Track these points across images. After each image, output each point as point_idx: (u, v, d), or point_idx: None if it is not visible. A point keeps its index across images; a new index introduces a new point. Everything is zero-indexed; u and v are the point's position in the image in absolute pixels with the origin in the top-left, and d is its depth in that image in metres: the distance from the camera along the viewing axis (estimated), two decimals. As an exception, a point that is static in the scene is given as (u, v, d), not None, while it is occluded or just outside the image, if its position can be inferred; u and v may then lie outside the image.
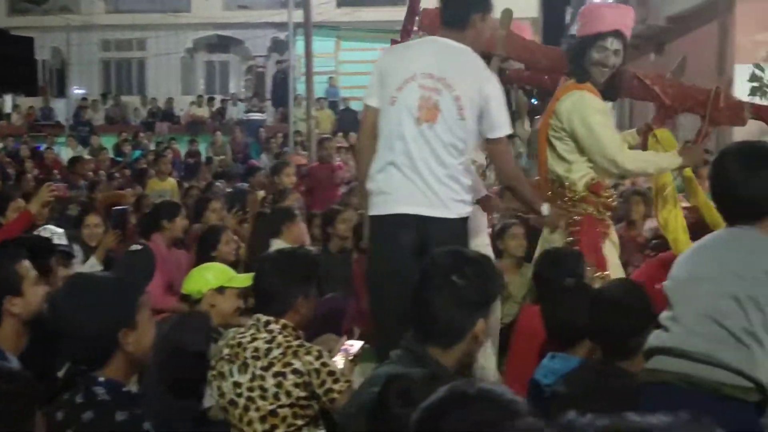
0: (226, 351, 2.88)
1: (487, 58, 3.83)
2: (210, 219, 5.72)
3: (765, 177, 2.25)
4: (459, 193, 3.41)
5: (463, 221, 3.45)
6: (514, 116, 4.35)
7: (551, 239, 3.95)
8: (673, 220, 4.04)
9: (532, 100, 4.93)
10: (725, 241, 2.30)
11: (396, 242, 3.34)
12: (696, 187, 4.15)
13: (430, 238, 3.25)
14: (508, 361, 3.85)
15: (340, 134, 16.84)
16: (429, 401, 1.38)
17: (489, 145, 3.58)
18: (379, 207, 3.45)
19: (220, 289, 3.56)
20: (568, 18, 35.16)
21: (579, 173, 3.89)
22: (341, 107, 20.56)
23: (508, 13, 4.39)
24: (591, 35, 3.91)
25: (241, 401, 2.79)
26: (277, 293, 2.86)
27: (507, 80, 4.33)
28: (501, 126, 3.47)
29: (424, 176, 3.35)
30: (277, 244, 4.80)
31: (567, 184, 3.93)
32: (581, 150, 3.85)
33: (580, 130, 3.81)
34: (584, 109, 3.80)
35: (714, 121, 4.16)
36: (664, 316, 2.27)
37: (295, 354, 2.77)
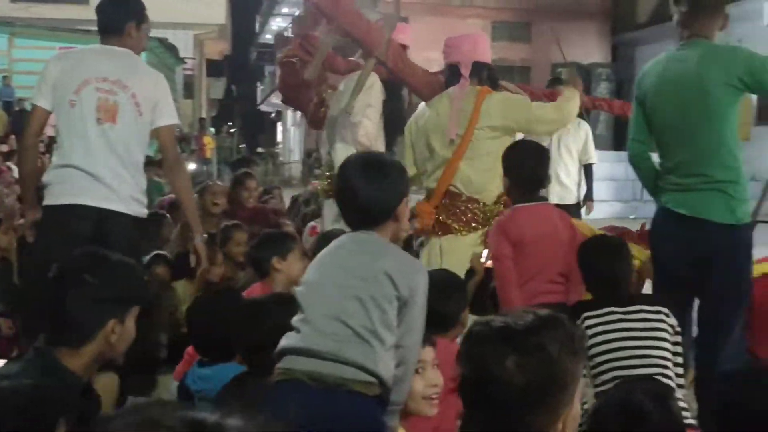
0: None
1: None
2: None
3: (380, 186, 2.43)
4: (137, 193, 3.67)
5: (138, 221, 3.67)
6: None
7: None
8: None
9: None
10: (348, 246, 2.46)
11: (67, 232, 3.46)
12: None
13: (107, 233, 3.48)
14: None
15: (13, 137, 15.68)
16: None
17: (159, 132, 3.76)
18: (54, 197, 3.59)
19: None
20: (257, 26, 35.49)
21: (495, 189, 4.05)
22: (16, 108, 19.16)
23: (392, 18, 4.63)
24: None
25: None
26: None
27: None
28: (169, 115, 3.77)
29: (104, 173, 3.57)
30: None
31: (479, 198, 4.10)
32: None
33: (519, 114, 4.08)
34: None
35: None
36: (296, 319, 2.39)
37: None
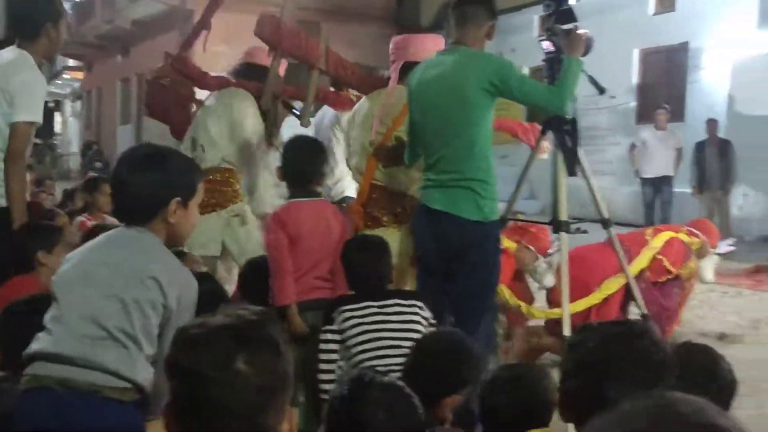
0: None
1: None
2: None
3: (150, 178, 2.31)
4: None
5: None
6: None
7: None
8: None
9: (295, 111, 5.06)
10: (117, 242, 2.31)
11: None
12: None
13: None
14: None
15: None
16: None
17: (12, 128, 3.79)
18: None
19: None
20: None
21: (418, 181, 4.00)
22: None
23: (327, 29, 4.79)
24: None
25: None
26: None
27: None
28: (24, 112, 3.79)
29: None
30: None
31: (406, 192, 4.14)
32: None
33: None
34: None
35: None
36: (48, 315, 2.23)
37: None
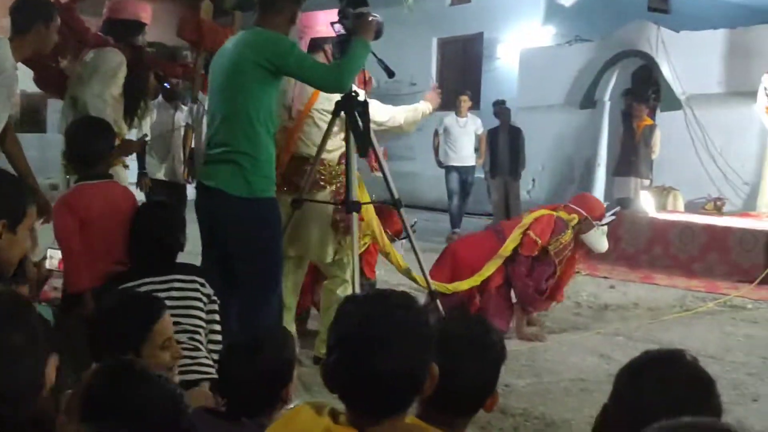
0: None
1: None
2: None
3: None
4: None
5: None
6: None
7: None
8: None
9: (165, 85, 5.34)
10: None
11: None
12: None
13: None
14: None
15: None
16: None
17: None
18: None
19: None
20: None
21: (336, 150, 4.56)
22: None
23: (209, 6, 4.80)
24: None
25: None
26: None
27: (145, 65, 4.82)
28: None
29: None
30: None
31: (326, 160, 4.51)
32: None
33: None
34: None
35: None
36: None
37: None
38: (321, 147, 4.40)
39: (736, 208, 10.54)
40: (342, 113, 4.23)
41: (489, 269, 5.59)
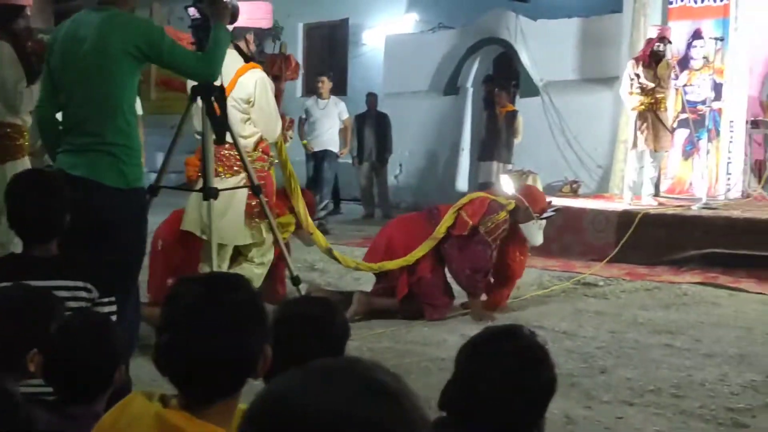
0: None
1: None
2: None
3: None
4: None
5: None
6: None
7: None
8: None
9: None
10: None
11: None
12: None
13: None
14: None
15: None
16: None
17: None
18: None
19: None
20: None
21: (253, 137, 4.89)
22: None
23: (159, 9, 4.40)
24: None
25: None
26: None
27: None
28: None
29: None
30: None
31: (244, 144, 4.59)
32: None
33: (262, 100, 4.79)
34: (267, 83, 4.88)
35: None
36: None
37: None
38: (177, 133, 4.33)
39: (590, 190, 11.01)
40: (198, 99, 4.18)
41: (422, 250, 5.70)
